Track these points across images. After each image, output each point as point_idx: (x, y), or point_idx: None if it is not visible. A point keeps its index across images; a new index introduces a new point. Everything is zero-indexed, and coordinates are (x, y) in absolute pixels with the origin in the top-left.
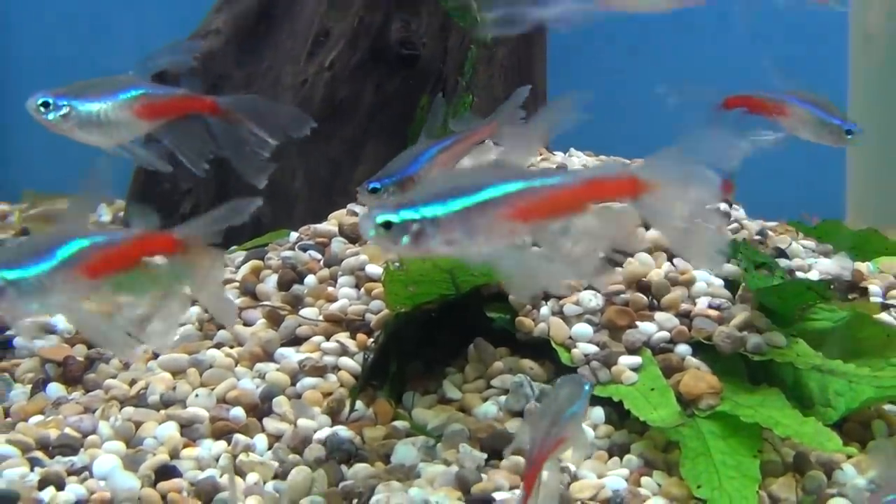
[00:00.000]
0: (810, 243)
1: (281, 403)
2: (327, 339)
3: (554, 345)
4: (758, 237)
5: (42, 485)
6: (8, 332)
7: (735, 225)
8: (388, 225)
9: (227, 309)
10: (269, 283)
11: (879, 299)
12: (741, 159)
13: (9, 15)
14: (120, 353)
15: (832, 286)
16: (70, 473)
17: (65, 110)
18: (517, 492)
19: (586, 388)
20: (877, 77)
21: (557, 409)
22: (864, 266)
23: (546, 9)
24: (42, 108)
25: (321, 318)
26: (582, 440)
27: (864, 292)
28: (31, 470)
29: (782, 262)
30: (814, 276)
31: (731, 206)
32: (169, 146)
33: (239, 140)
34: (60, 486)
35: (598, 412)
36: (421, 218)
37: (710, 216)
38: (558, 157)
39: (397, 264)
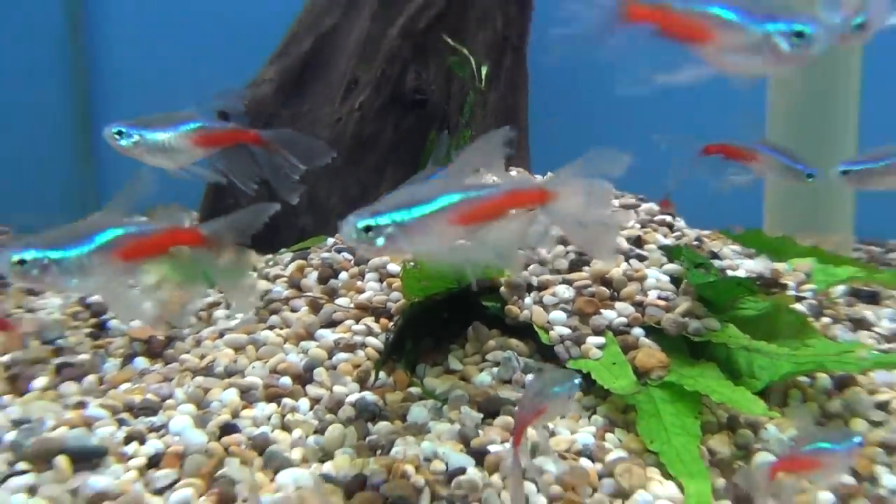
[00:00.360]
0: (737, 248)
1: (320, 373)
2: (357, 322)
3: (536, 327)
4: (696, 243)
5: (127, 440)
6: (104, 317)
7: (678, 233)
8: (367, 229)
9: (243, 297)
10: (311, 278)
11: (794, 292)
12: (624, 169)
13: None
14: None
15: (758, 282)
16: (150, 431)
17: (135, 138)
18: (507, 445)
19: (576, 381)
20: (791, 112)
21: (543, 385)
22: (781, 266)
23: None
24: (117, 136)
25: (352, 305)
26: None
27: (784, 287)
28: (119, 428)
29: (716, 262)
30: (741, 273)
31: (673, 217)
32: (223, 169)
33: (276, 166)
34: (142, 442)
35: None
36: (392, 222)
37: (609, 218)
38: (538, 178)
39: (412, 264)
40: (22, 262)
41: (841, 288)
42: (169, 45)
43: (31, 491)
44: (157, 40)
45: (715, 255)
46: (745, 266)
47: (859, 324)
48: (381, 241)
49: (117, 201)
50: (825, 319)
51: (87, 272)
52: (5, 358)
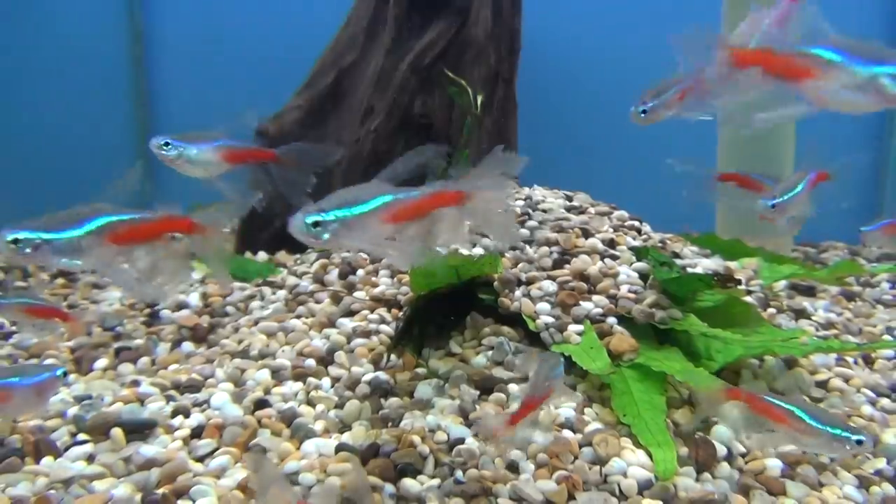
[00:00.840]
0: (695, 248)
1: (340, 356)
2: (372, 312)
3: (524, 316)
4: (660, 244)
5: (174, 414)
6: (156, 307)
7: (645, 236)
8: (316, 224)
9: (224, 275)
10: (333, 274)
11: (744, 287)
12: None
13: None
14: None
15: (715, 278)
16: (194, 406)
17: (178, 151)
18: (500, 417)
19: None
20: (738, 140)
21: (549, 370)
22: (732, 264)
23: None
24: (164, 147)
25: (368, 298)
26: (564, 391)
27: (738, 282)
28: (167, 403)
29: (677, 261)
30: (699, 271)
31: (640, 223)
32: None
33: (290, 180)
34: (187, 415)
35: None
36: (335, 219)
37: (509, 210)
38: (525, 190)
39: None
40: (16, 241)
41: (783, 283)
42: (217, 69)
43: (90, 459)
44: (208, 65)
45: (676, 255)
46: (703, 264)
47: (800, 314)
48: (325, 235)
49: (114, 191)
50: (771, 310)
51: (80, 253)
52: (71, 343)
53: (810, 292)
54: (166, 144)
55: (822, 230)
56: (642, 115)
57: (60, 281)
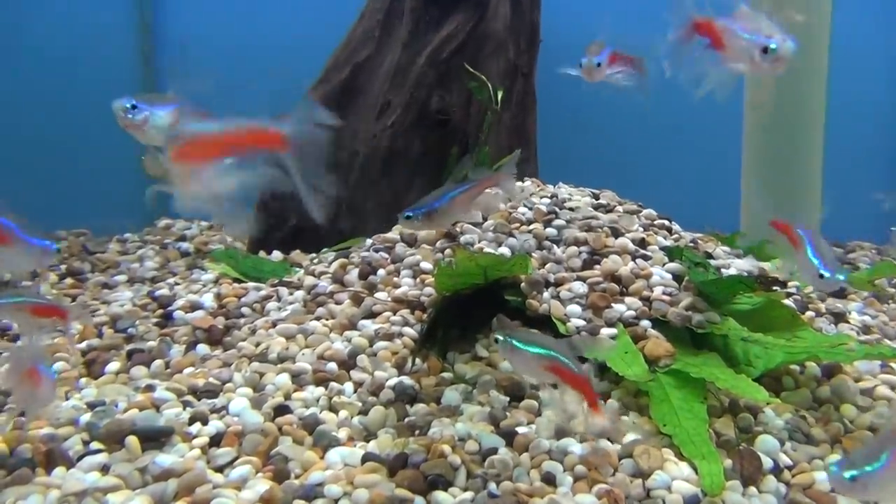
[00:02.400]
0: (727, 248)
1: (363, 360)
2: (394, 314)
3: (554, 319)
4: (691, 244)
5: (191, 421)
6: (170, 308)
7: (676, 235)
8: None
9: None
10: (353, 274)
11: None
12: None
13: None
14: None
15: (758, 280)
16: (212, 412)
17: (145, 115)
18: (533, 426)
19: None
20: (763, 135)
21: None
22: (766, 265)
23: None
24: (130, 111)
25: (390, 299)
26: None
27: (783, 285)
28: (184, 410)
29: (710, 262)
30: (733, 271)
31: (670, 221)
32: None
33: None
34: (205, 422)
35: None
36: None
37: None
38: (550, 188)
39: (447, 262)
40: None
41: None
42: (228, 63)
43: (104, 469)
44: (218, 58)
45: (709, 256)
46: (736, 265)
47: (839, 317)
48: None
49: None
50: (809, 313)
51: None
52: (83, 345)
53: (841, 294)
54: (133, 108)
55: (849, 230)
56: (597, 66)
57: (70, 281)
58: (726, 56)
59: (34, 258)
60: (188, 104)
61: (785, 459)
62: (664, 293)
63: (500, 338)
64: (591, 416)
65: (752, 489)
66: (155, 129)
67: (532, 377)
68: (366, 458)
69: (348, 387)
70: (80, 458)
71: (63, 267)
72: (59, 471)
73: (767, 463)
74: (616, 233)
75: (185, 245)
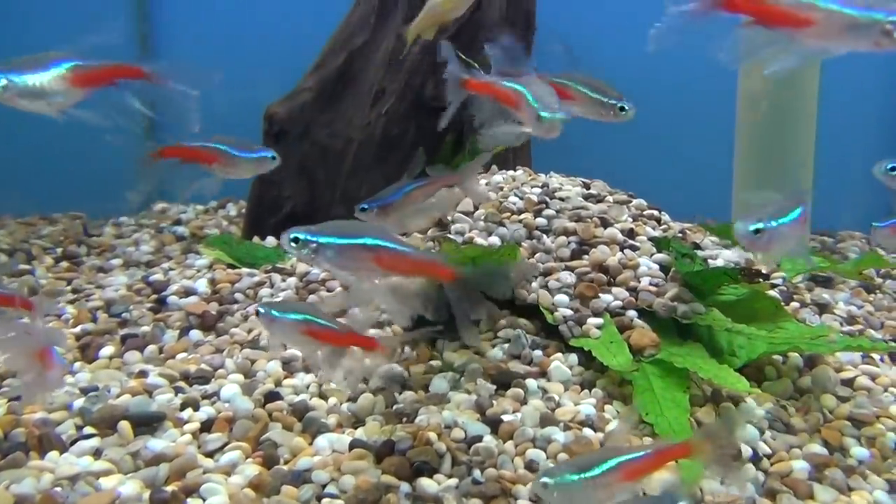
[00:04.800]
0: (715, 239)
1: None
2: None
3: (542, 308)
4: (679, 235)
5: (183, 407)
6: (163, 293)
7: (665, 226)
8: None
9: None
10: None
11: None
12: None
13: None
14: None
15: (742, 272)
16: (203, 398)
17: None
18: (518, 415)
19: None
20: (755, 125)
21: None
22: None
23: None
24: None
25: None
26: None
27: (766, 276)
28: (175, 395)
29: (698, 252)
30: (720, 262)
31: (660, 212)
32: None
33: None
34: (196, 408)
35: (573, 357)
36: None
37: None
38: (542, 177)
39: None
40: None
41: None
42: (226, 48)
43: (97, 454)
44: (216, 43)
45: (697, 246)
46: (724, 255)
47: (824, 308)
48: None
49: None
50: (794, 304)
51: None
52: (77, 329)
53: (828, 284)
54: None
55: (839, 219)
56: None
57: (65, 264)
58: (813, 34)
59: (255, 167)
60: (83, 59)
61: (764, 448)
62: (651, 284)
63: (261, 310)
64: (371, 357)
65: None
66: (25, 95)
67: (296, 346)
68: (353, 444)
69: (338, 373)
70: (73, 442)
71: (59, 250)
72: (52, 455)
73: (747, 452)
74: (605, 223)
75: (180, 229)
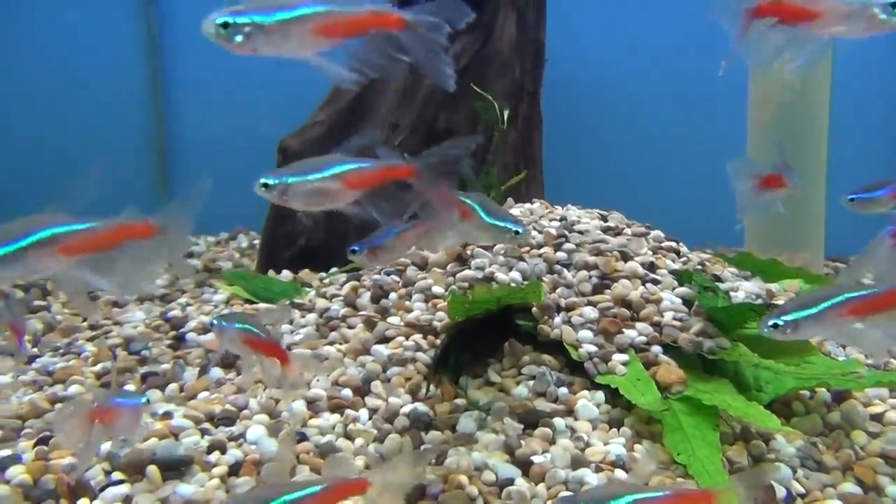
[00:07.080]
0: (734, 270)
1: (377, 386)
2: (407, 338)
3: (566, 345)
4: (699, 267)
5: (210, 449)
6: (182, 329)
7: (684, 258)
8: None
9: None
10: (365, 298)
11: None
12: None
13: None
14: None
15: (768, 308)
16: (230, 440)
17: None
18: (548, 455)
19: None
20: (768, 134)
21: None
22: (773, 286)
23: None
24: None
25: (402, 324)
26: None
27: None
28: (202, 437)
29: (719, 285)
30: (741, 294)
31: (678, 244)
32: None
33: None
34: (223, 451)
35: (599, 395)
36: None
37: None
38: (559, 210)
39: (461, 291)
40: None
41: None
42: (234, 101)
43: (127, 500)
44: (226, 99)
45: (718, 278)
46: (744, 287)
47: None
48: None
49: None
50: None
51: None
52: (98, 367)
53: None
54: (226, 25)
55: (851, 244)
56: None
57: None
58: (821, 23)
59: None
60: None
61: (798, 488)
62: (674, 318)
63: (214, 322)
64: (283, 371)
65: None
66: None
67: (239, 352)
68: None
69: (363, 413)
70: (103, 488)
71: None
72: (82, 502)
73: (781, 492)
74: (625, 257)
75: (193, 262)
